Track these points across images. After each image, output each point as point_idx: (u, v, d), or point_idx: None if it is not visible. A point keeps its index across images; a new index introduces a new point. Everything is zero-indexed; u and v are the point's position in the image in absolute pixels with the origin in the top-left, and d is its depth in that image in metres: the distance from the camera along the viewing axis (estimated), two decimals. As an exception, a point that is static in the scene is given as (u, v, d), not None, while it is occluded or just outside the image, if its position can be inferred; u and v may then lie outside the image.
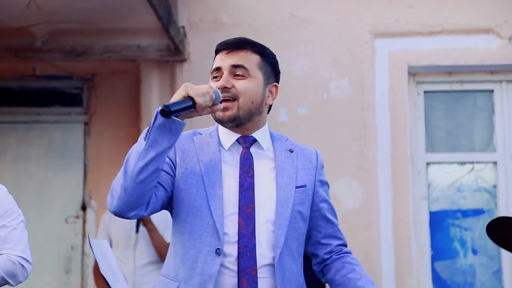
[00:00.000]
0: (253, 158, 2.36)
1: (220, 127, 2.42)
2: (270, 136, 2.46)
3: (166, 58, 5.64)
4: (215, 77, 2.35)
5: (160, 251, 4.80)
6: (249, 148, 2.38)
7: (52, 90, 6.25)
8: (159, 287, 2.35)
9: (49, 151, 6.05)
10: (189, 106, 2.20)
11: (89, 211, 6.06)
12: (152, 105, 5.73)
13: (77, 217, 6.05)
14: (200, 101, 2.19)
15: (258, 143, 2.41)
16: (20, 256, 3.08)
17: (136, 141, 5.98)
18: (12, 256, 3.06)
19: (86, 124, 6.17)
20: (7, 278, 3.05)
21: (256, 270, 2.23)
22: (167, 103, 2.18)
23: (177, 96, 2.21)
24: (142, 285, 4.74)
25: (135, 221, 4.88)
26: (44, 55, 5.61)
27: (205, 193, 2.29)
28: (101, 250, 4.10)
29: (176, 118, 2.18)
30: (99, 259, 4.04)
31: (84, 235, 6.02)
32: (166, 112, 2.16)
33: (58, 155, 6.09)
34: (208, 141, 2.39)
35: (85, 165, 6.11)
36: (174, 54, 5.59)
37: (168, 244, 4.82)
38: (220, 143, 2.39)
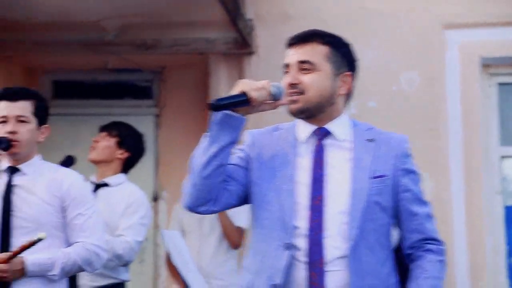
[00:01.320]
0: (327, 150, 2.36)
1: (298, 120, 2.43)
2: (353, 125, 2.44)
3: (234, 51, 5.66)
4: (287, 72, 2.38)
5: (228, 234, 4.84)
6: (322, 139, 2.37)
7: (123, 83, 6.35)
8: (239, 279, 2.40)
9: (121, 143, 6.14)
10: (243, 101, 2.23)
11: (160, 202, 6.14)
12: (221, 98, 5.76)
13: (149, 208, 6.14)
14: (254, 95, 2.24)
15: (333, 134, 2.39)
16: (96, 245, 3.13)
17: (204, 132, 6.02)
18: (88, 244, 3.11)
19: (156, 116, 6.25)
20: (83, 266, 3.11)
21: (324, 263, 2.23)
22: (218, 97, 2.22)
23: (232, 92, 2.26)
24: (214, 275, 4.78)
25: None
26: (115, 48, 5.71)
27: (276, 187, 2.31)
28: (173, 241, 4.16)
29: (234, 113, 2.24)
30: (171, 250, 4.11)
31: (156, 226, 6.10)
32: (215, 106, 2.21)
33: (129, 147, 6.17)
34: (286, 135, 2.41)
35: (156, 157, 6.19)
36: (242, 47, 5.61)
37: (237, 228, 4.87)
38: (296, 136, 2.40)
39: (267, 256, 2.28)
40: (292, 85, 2.33)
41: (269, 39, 5.66)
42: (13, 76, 5.99)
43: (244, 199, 2.40)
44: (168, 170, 6.11)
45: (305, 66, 2.35)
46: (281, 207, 2.29)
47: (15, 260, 2.96)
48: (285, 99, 2.34)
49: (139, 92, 6.35)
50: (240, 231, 4.91)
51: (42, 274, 3.02)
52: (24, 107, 3.11)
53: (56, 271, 3.03)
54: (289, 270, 2.24)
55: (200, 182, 2.25)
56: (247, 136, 2.45)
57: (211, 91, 5.84)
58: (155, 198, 6.14)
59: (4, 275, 2.95)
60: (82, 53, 5.71)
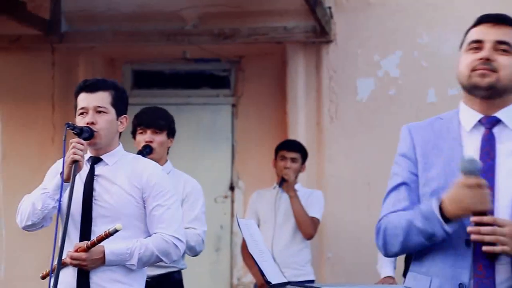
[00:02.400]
0: (496, 139, 2.28)
1: (462, 108, 2.36)
2: None
3: (312, 39, 5.62)
4: (475, 48, 2.31)
5: (301, 224, 4.82)
6: (491, 128, 2.30)
7: (201, 73, 6.39)
8: (410, 282, 2.34)
9: (198, 133, 6.20)
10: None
11: (237, 191, 6.16)
12: (298, 87, 5.73)
13: (226, 197, 6.17)
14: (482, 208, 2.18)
15: (503, 123, 2.31)
16: (174, 236, 3.12)
17: (281, 123, 5.88)
18: (165, 235, 3.11)
19: (233, 105, 6.26)
20: (161, 256, 3.12)
21: (494, 256, 2.18)
22: None
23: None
24: (289, 264, 4.77)
25: (281, 200, 4.92)
26: (194, 38, 5.74)
27: (447, 184, 2.23)
28: (249, 230, 4.15)
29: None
30: (247, 239, 4.09)
31: (232, 215, 6.13)
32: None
33: (207, 136, 6.22)
34: (448, 126, 2.34)
35: (233, 146, 6.21)
36: (320, 35, 5.56)
37: (311, 218, 4.83)
38: (461, 126, 2.33)
39: (446, 255, 2.24)
40: (487, 61, 2.27)
41: (348, 27, 5.59)
42: (95, 66, 6.11)
43: None
44: (245, 159, 6.12)
45: (502, 47, 2.29)
46: None
47: (95, 249, 3.00)
48: (475, 79, 2.27)
49: (216, 81, 6.37)
50: (314, 222, 4.89)
51: (120, 264, 3.05)
52: (102, 98, 3.13)
53: (134, 261, 3.05)
54: (471, 267, 2.20)
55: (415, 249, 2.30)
56: (405, 133, 2.37)
57: (288, 80, 5.81)
58: (232, 187, 6.17)
59: (84, 263, 2.99)
60: (162, 43, 5.77)
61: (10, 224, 5.27)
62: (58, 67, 5.98)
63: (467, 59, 2.31)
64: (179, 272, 3.94)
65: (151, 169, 3.17)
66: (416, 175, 2.33)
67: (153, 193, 3.11)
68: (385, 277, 4.60)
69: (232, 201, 6.14)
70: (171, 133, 3.97)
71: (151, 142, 3.87)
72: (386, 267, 4.67)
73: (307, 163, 5.08)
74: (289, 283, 3.99)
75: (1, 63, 5.72)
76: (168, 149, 4.00)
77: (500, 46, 2.28)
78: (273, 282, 3.92)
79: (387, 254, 2.35)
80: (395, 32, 5.55)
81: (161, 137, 3.90)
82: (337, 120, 5.57)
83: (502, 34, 2.29)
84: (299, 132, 5.59)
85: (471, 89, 2.31)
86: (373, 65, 5.56)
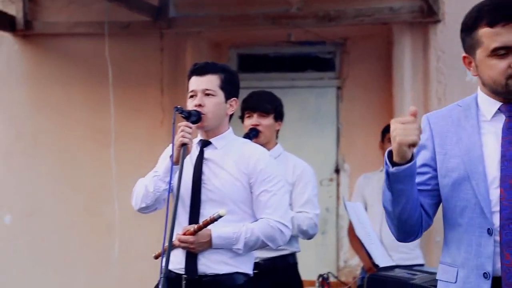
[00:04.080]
0: None
1: (480, 96, 2.30)
2: None
3: (419, 19, 5.50)
4: (500, 54, 2.21)
5: None
6: None
7: (306, 56, 6.38)
8: (440, 275, 2.33)
9: (303, 116, 6.20)
10: None
11: (342, 174, 6.14)
12: (405, 69, 5.64)
13: (331, 180, 6.16)
14: None
15: None
16: (279, 222, 3.14)
17: (387, 106, 5.84)
18: (271, 221, 3.13)
19: (338, 88, 6.23)
20: (266, 242, 3.14)
21: None
22: None
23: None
24: (396, 248, 4.73)
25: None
26: (299, 21, 5.74)
27: (466, 174, 2.21)
28: (356, 213, 4.15)
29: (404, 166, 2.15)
30: (354, 221, 4.10)
31: (338, 198, 6.12)
32: None
33: (312, 119, 6.22)
34: (466, 114, 2.29)
35: (338, 129, 6.19)
36: (427, 15, 5.44)
37: None
38: (479, 114, 2.28)
39: (471, 245, 2.21)
40: None
41: (457, 5, 5.44)
42: (201, 51, 6.20)
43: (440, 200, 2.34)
44: (350, 142, 6.09)
45: None
46: (476, 193, 2.20)
47: (202, 232, 3.05)
48: None
49: (321, 64, 6.35)
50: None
51: (226, 247, 3.09)
52: (210, 81, 3.17)
53: (240, 245, 3.09)
54: (495, 255, 2.17)
55: (401, 225, 2.26)
56: (424, 124, 2.33)
57: (394, 62, 5.73)
58: (337, 170, 6.15)
59: (191, 246, 3.06)
60: (267, 27, 5.79)
61: (123, 205, 5.46)
62: (167, 52, 6.10)
63: (498, 66, 2.20)
64: (293, 255, 3.95)
65: (258, 154, 3.19)
66: (430, 166, 2.28)
67: (259, 179, 3.14)
68: None
69: (338, 184, 6.12)
70: (279, 116, 3.97)
71: (257, 125, 3.90)
72: None
73: (414, 146, 4.99)
74: (397, 266, 3.98)
75: (112, 49, 5.89)
76: (277, 133, 4.01)
77: None
78: (381, 265, 3.91)
79: (397, 238, 2.33)
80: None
81: (268, 121, 3.92)
82: (445, 102, 5.45)
83: None
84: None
85: (507, 95, 2.23)
86: (483, 44, 5.39)
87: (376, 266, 3.92)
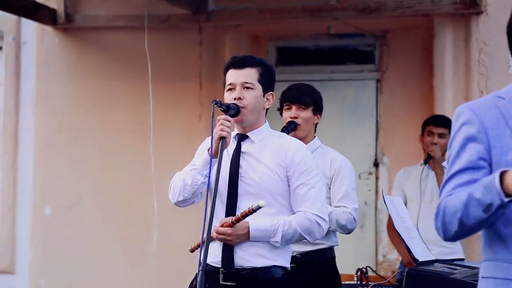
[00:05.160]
0: None
1: None
2: None
3: (461, 11, 5.42)
4: None
5: None
6: None
7: (345, 48, 6.34)
8: (490, 272, 2.22)
9: (342, 109, 6.17)
10: None
11: (381, 168, 6.09)
12: (446, 61, 5.57)
13: (370, 173, 6.12)
14: None
15: None
16: (317, 215, 3.12)
17: (427, 98, 5.75)
18: (309, 214, 3.11)
19: (378, 81, 6.18)
20: (304, 235, 3.12)
21: None
22: None
23: None
24: (436, 242, 4.68)
25: (428, 178, 4.83)
26: (338, 13, 5.70)
27: None
28: (395, 207, 4.11)
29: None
30: (393, 215, 4.05)
31: (377, 191, 6.08)
32: None
33: (351, 112, 6.18)
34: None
35: (377, 122, 6.14)
36: (469, 6, 5.36)
37: None
38: None
39: None
40: None
41: (500, -4, 5.36)
42: (240, 44, 6.21)
43: None
44: (389, 136, 6.03)
45: None
46: None
47: (239, 224, 3.04)
48: None
49: (361, 56, 6.30)
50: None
51: (264, 240, 3.08)
52: (249, 74, 3.15)
53: (277, 238, 3.07)
54: None
55: (473, 231, 2.15)
56: (470, 115, 2.18)
57: (435, 55, 5.66)
58: (376, 164, 6.11)
59: (229, 238, 3.05)
60: (306, 19, 5.77)
61: (162, 198, 5.49)
62: (205, 45, 6.11)
63: None
64: (331, 249, 3.91)
65: (295, 147, 3.18)
66: (485, 160, 2.15)
67: (297, 172, 3.13)
68: None
69: (377, 178, 6.08)
70: (318, 110, 3.93)
71: (296, 118, 3.87)
72: None
73: (455, 139, 4.94)
74: (437, 261, 3.93)
75: (152, 43, 5.92)
76: (315, 126, 3.98)
77: None
78: (420, 260, 3.86)
79: (446, 237, 2.17)
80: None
81: (307, 113, 3.89)
82: (487, 94, 5.37)
83: None
84: (447, 108, 5.43)
85: None
86: (526, 36, 5.30)
87: (416, 260, 3.87)
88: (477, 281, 2.28)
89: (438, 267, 3.64)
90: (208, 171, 3.08)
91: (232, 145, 3.18)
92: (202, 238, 2.98)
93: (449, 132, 4.84)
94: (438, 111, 5.40)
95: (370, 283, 3.94)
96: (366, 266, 4.02)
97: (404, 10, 5.49)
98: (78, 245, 6.16)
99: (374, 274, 4.15)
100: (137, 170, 6.10)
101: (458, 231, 2.14)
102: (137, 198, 6.09)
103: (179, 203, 3.22)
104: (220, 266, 3.10)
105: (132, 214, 6.10)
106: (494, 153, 2.15)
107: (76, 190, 6.19)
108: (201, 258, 2.86)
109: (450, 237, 2.20)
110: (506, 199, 2.01)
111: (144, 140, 6.03)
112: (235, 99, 3.13)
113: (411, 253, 3.94)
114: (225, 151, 3.11)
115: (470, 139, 2.15)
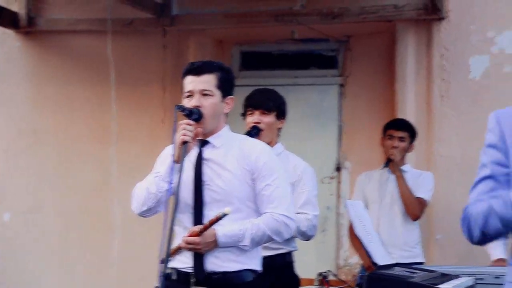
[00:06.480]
0: None
1: None
2: None
3: (423, 17, 5.48)
4: None
5: (407, 205, 4.77)
6: None
7: (309, 53, 6.36)
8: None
9: (305, 113, 6.17)
10: None
11: (343, 172, 6.12)
12: (408, 66, 5.62)
13: (332, 177, 6.14)
14: None
15: None
16: (284, 215, 3.14)
17: (390, 103, 5.77)
18: (276, 214, 3.12)
19: (341, 86, 6.20)
20: (272, 236, 3.14)
21: None
22: None
23: None
24: (396, 245, 4.73)
25: (389, 181, 4.87)
26: (302, 18, 5.72)
27: None
28: (356, 211, 4.13)
29: None
30: (354, 220, 4.08)
31: (339, 196, 6.10)
32: None
33: (314, 117, 6.19)
34: None
35: (340, 126, 6.17)
36: (431, 12, 5.42)
37: (417, 199, 4.76)
38: None
39: None
40: None
41: (461, 3, 5.42)
42: (204, 48, 6.19)
43: None
44: (352, 140, 6.06)
45: None
46: None
47: (207, 232, 3.04)
48: None
49: (324, 61, 6.32)
50: (421, 203, 4.81)
51: (233, 245, 3.09)
52: (207, 81, 3.15)
53: (246, 241, 3.09)
54: None
55: (496, 236, 2.20)
56: (493, 122, 2.23)
57: (397, 59, 5.70)
58: (338, 168, 6.13)
59: (198, 247, 3.05)
60: (270, 24, 5.77)
61: (123, 203, 5.45)
62: (169, 49, 6.09)
63: None
64: (290, 254, 3.92)
65: (259, 149, 3.20)
66: (506, 166, 2.19)
67: (262, 173, 3.14)
68: (497, 260, 4.46)
69: (339, 182, 6.10)
70: (281, 115, 3.93)
71: (258, 123, 3.88)
72: (497, 249, 4.54)
73: (416, 143, 4.99)
74: (396, 264, 3.97)
75: (115, 47, 5.88)
76: (279, 131, 3.98)
77: None
78: (380, 264, 3.89)
79: (471, 241, 2.24)
80: (511, 6, 5.34)
81: (270, 118, 3.89)
82: (448, 100, 5.43)
83: None
84: (408, 112, 5.49)
85: None
86: (487, 42, 5.37)
87: (375, 264, 3.91)
88: (435, 284, 2.31)
89: (397, 271, 3.68)
90: (172, 177, 3.06)
91: (194, 152, 3.17)
92: (162, 245, 2.96)
93: (409, 136, 4.93)
94: (400, 116, 5.45)
95: (330, 287, 3.97)
96: (327, 270, 4.05)
97: (367, 16, 5.54)
98: (38, 251, 6.09)
99: (335, 278, 4.17)
100: (98, 175, 6.06)
101: (480, 238, 2.20)
102: (98, 203, 6.05)
103: (143, 213, 3.20)
104: (191, 271, 3.10)
105: (94, 220, 6.05)
106: None
107: (36, 195, 6.13)
108: (164, 267, 2.86)
109: (474, 242, 2.25)
110: None
111: (106, 145, 5.99)
112: (193, 107, 3.13)
113: (371, 257, 3.97)
114: (188, 158, 3.10)
115: (491, 146, 2.20)
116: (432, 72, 5.49)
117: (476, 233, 2.19)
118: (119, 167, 5.90)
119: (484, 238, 2.20)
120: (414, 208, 4.78)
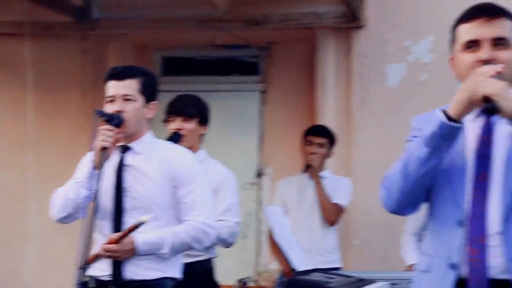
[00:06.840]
0: (495, 126, 2.27)
1: None
2: None
3: (343, 25, 5.58)
4: (471, 47, 2.28)
5: (324, 210, 4.84)
6: (491, 116, 2.27)
7: (231, 59, 6.38)
8: (419, 265, 2.39)
9: (226, 119, 6.18)
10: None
11: (264, 178, 6.16)
12: (327, 73, 5.70)
13: (253, 184, 6.17)
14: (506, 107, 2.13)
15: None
16: (204, 222, 3.13)
17: (310, 109, 5.85)
18: (196, 222, 3.12)
19: (262, 92, 6.25)
20: (192, 244, 3.13)
21: (486, 239, 2.20)
22: (491, 106, 2.13)
23: (462, 99, 2.18)
24: (315, 251, 4.78)
25: (308, 186, 4.92)
26: (224, 25, 5.73)
27: (446, 168, 2.26)
28: (276, 218, 4.18)
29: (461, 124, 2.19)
30: (273, 226, 4.12)
31: (260, 202, 6.14)
32: (490, 109, 2.15)
33: (235, 123, 6.21)
34: None
35: (261, 132, 6.21)
36: (350, 20, 5.53)
37: (334, 205, 4.84)
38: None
39: (442, 235, 2.27)
40: (487, 62, 2.23)
41: (379, 12, 5.54)
42: (125, 53, 6.13)
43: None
44: (273, 146, 6.11)
45: (501, 42, 2.26)
46: (450, 186, 2.26)
47: (126, 240, 3.02)
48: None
49: (245, 68, 6.36)
50: (337, 208, 4.88)
51: (152, 253, 3.07)
52: (130, 86, 3.13)
53: (166, 249, 3.07)
54: (463, 247, 2.22)
55: (412, 190, 2.27)
56: (415, 124, 2.40)
57: (317, 67, 5.78)
58: (259, 174, 6.17)
59: (116, 255, 3.03)
60: (192, 30, 5.76)
61: (40, 210, 5.36)
62: (89, 54, 6.01)
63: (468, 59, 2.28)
64: (209, 261, 3.92)
65: (180, 156, 3.19)
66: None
67: (183, 180, 3.13)
68: (411, 265, 4.57)
69: (260, 188, 6.14)
70: (204, 121, 3.92)
71: (180, 129, 3.86)
72: (411, 254, 4.65)
73: (335, 149, 5.07)
74: (315, 270, 4.02)
75: (33, 51, 5.77)
76: (201, 137, 3.97)
77: (499, 41, 2.26)
78: (298, 269, 3.94)
79: (389, 207, 2.33)
80: (427, 17, 5.49)
81: (191, 125, 3.88)
82: (366, 106, 5.54)
83: (499, 30, 2.26)
84: (328, 118, 5.57)
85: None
86: (404, 50, 5.51)
87: (294, 270, 3.95)
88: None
89: (315, 276, 3.73)
90: (91, 184, 3.02)
91: (116, 157, 3.14)
92: (79, 252, 2.92)
93: (329, 142, 4.99)
94: (320, 122, 5.52)
95: (250, 293, 3.99)
96: (247, 277, 4.07)
97: (288, 23, 5.60)
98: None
99: (255, 284, 4.20)
100: (15, 182, 5.92)
101: (400, 200, 2.29)
102: (15, 210, 5.91)
103: (62, 220, 3.16)
104: (109, 279, 3.07)
105: (10, 226, 5.91)
106: None
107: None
108: (90, 272, 2.83)
109: (392, 208, 2.33)
110: (448, 122, 2.17)
111: (24, 151, 5.86)
112: (115, 112, 3.10)
113: (290, 263, 4.01)
114: (110, 164, 3.07)
115: (413, 137, 2.35)
116: (351, 79, 5.60)
117: (395, 195, 2.29)
118: (38, 172, 5.78)
119: (405, 191, 2.26)
120: (331, 214, 4.85)
